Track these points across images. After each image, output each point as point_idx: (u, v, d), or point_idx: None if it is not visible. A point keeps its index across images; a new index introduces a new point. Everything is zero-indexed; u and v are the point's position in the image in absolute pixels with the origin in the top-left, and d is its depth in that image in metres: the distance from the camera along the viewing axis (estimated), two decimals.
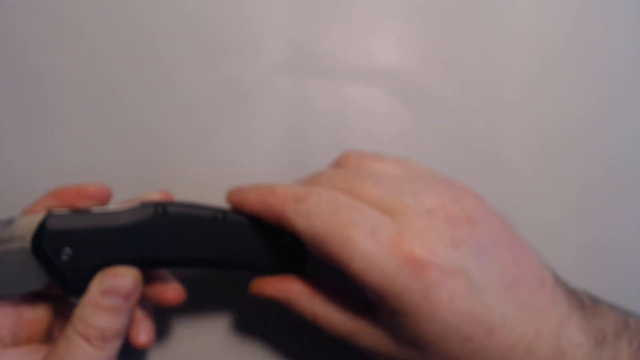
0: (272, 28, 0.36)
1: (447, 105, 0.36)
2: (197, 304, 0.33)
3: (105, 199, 0.26)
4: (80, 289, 0.23)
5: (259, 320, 0.34)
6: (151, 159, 0.36)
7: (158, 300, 0.27)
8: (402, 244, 0.21)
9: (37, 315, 0.26)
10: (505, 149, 0.36)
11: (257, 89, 0.36)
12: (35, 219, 0.24)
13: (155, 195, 0.28)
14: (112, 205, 0.26)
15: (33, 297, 0.26)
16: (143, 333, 0.26)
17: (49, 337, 0.27)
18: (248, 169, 0.36)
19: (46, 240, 0.23)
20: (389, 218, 0.22)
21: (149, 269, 0.26)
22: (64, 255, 0.23)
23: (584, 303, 0.24)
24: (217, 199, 0.35)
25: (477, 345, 0.21)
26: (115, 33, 0.36)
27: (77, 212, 0.24)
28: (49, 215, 0.24)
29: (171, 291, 0.27)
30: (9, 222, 0.24)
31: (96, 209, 0.25)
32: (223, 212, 0.26)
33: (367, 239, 0.21)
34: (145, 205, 0.25)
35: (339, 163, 0.28)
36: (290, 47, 0.36)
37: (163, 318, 0.33)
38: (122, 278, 0.23)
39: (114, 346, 0.24)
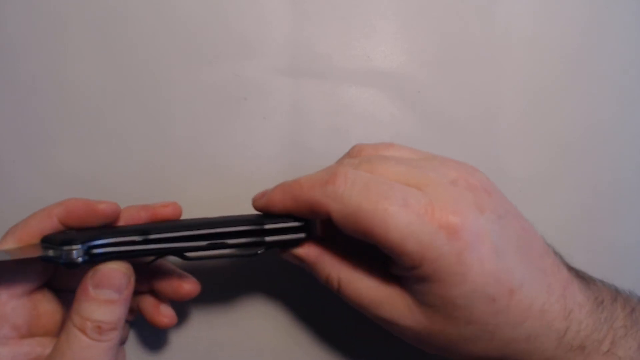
0: (271, 31, 0.37)
1: (445, 108, 0.36)
2: (209, 295, 0.33)
3: (114, 218, 0.27)
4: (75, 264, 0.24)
5: (270, 313, 0.34)
6: (151, 162, 0.36)
7: (176, 293, 0.28)
8: (435, 211, 0.22)
9: (52, 307, 0.27)
10: (504, 152, 0.36)
11: (257, 91, 0.36)
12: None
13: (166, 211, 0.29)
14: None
15: (48, 291, 0.27)
16: (164, 314, 0.29)
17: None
18: (248, 170, 0.36)
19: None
20: (418, 190, 0.23)
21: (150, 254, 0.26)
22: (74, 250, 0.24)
23: (580, 273, 0.26)
24: (217, 198, 0.35)
25: (501, 306, 0.22)
26: (114, 38, 0.36)
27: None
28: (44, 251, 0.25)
29: (188, 284, 0.28)
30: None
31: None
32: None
33: (401, 210, 0.22)
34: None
35: (352, 154, 0.29)
36: (290, 49, 0.37)
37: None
38: (114, 271, 0.24)
39: (112, 337, 0.24)
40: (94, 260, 0.24)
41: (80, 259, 0.23)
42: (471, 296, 0.22)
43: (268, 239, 0.26)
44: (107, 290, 0.24)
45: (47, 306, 0.27)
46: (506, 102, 0.36)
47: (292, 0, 0.37)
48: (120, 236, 0.24)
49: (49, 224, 0.26)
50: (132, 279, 0.25)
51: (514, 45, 0.37)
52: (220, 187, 0.35)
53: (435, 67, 0.37)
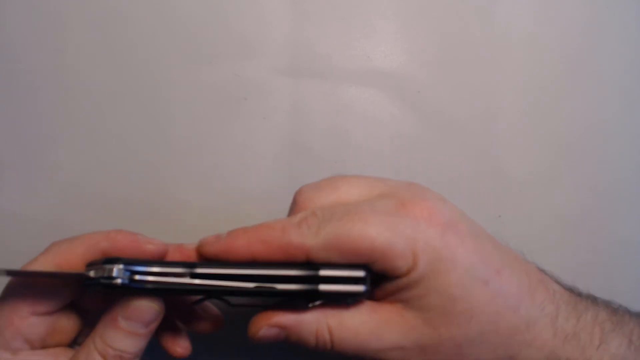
0: (271, 31, 0.37)
1: (445, 108, 0.36)
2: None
3: (160, 258, 0.25)
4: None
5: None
6: (152, 162, 0.36)
7: (166, 349, 0.28)
8: (406, 206, 0.23)
9: (70, 325, 0.27)
10: (504, 152, 0.36)
11: (257, 91, 0.36)
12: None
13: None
14: None
15: (69, 310, 0.26)
16: (180, 345, 0.28)
17: (74, 342, 0.27)
18: (248, 170, 0.36)
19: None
20: (381, 196, 0.24)
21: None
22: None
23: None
24: (217, 198, 0.35)
25: (494, 288, 0.23)
26: (114, 38, 0.36)
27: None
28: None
29: (180, 346, 0.28)
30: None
31: None
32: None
33: (376, 217, 0.22)
34: None
35: (295, 200, 0.28)
36: (290, 49, 0.37)
37: None
38: (148, 308, 0.24)
39: None
40: (133, 285, 0.23)
41: (120, 281, 0.23)
42: (465, 282, 0.22)
43: (323, 287, 0.23)
44: (135, 323, 0.24)
45: (65, 323, 0.26)
46: (506, 102, 0.36)
47: (292, 0, 0.37)
48: (165, 266, 0.23)
49: (93, 256, 0.25)
50: (161, 316, 0.25)
51: (514, 45, 0.37)
52: (220, 187, 0.35)
53: (435, 67, 0.37)
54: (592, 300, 0.25)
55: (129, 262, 0.23)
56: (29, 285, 0.24)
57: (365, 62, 0.37)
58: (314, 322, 0.24)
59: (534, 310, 0.23)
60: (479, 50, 0.37)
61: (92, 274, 0.23)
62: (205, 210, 0.35)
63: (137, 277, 0.23)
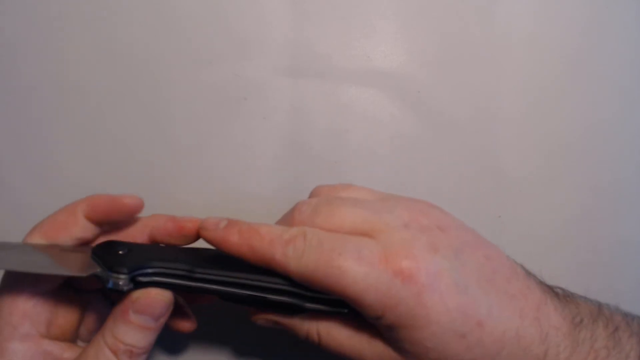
0: (271, 31, 0.37)
1: (445, 108, 0.36)
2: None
3: (139, 212, 0.27)
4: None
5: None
6: (152, 162, 0.36)
7: (173, 327, 0.29)
8: (389, 259, 0.23)
9: (70, 309, 0.27)
10: (504, 152, 0.36)
11: (257, 91, 0.36)
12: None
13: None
14: None
15: (67, 290, 0.27)
16: (186, 320, 0.29)
17: (76, 336, 0.28)
18: (248, 170, 0.36)
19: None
20: (371, 239, 0.24)
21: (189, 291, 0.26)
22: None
23: (557, 292, 0.26)
24: (217, 198, 0.35)
25: (472, 341, 0.23)
26: (114, 38, 0.36)
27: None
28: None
29: (187, 323, 0.29)
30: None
31: None
32: None
33: (355, 264, 0.23)
34: None
35: (312, 195, 0.29)
36: (290, 49, 0.37)
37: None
38: (158, 301, 0.24)
39: None
40: (137, 287, 0.24)
41: (125, 288, 0.24)
42: (440, 336, 0.22)
43: (309, 305, 0.25)
44: (146, 317, 0.24)
45: (66, 306, 0.27)
46: (506, 102, 0.36)
47: (292, 0, 0.37)
48: (166, 267, 0.24)
49: (74, 220, 0.26)
50: (171, 309, 0.25)
51: (514, 45, 0.37)
52: (220, 187, 0.35)
53: (435, 67, 0.37)
54: (594, 319, 0.25)
55: (132, 267, 0.24)
56: None
57: (365, 62, 0.37)
58: (305, 325, 0.26)
59: (517, 353, 0.23)
60: (479, 50, 0.37)
61: (99, 272, 0.24)
62: (205, 210, 0.35)
63: (141, 279, 0.24)
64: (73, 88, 0.36)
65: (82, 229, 0.26)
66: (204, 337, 0.34)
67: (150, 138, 0.36)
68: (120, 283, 0.24)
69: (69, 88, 0.36)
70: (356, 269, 0.22)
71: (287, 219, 0.26)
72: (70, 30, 0.36)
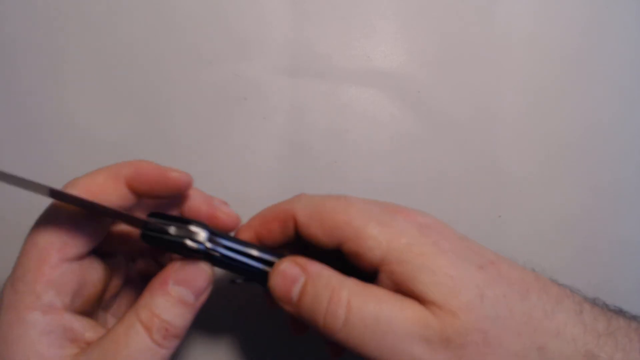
0: (271, 31, 0.37)
1: (445, 108, 0.36)
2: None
3: (185, 190, 0.25)
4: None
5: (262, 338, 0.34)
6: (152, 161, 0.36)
7: (216, 223, 0.27)
8: (390, 208, 0.26)
9: (97, 277, 0.24)
10: (504, 152, 0.36)
11: (257, 91, 0.36)
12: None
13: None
14: None
15: (95, 258, 0.25)
16: (225, 211, 0.27)
17: (99, 307, 0.26)
18: (248, 170, 0.36)
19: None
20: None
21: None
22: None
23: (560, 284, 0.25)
24: (217, 197, 0.35)
25: (491, 272, 0.23)
26: (114, 38, 0.36)
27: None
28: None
29: (226, 216, 0.27)
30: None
31: None
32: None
33: (361, 203, 0.25)
34: None
35: None
36: (290, 49, 0.37)
37: None
38: (203, 273, 0.23)
39: (172, 346, 0.23)
40: (207, 257, 0.23)
41: (201, 247, 0.22)
42: (459, 264, 0.22)
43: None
44: (187, 291, 0.23)
45: (93, 275, 0.24)
46: (506, 102, 0.36)
47: (292, 0, 0.37)
48: (242, 246, 0.24)
49: (115, 186, 0.23)
50: (210, 288, 0.24)
51: (514, 45, 0.37)
52: (220, 187, 0.35)
53: (435, 67, 0.37)
54: (619, 311, 0.24)
55: (213, 232, 0.24)
56: (56, 227, 0.22)
57: (365, 62, 0.37)
58: (334, 279, 0.23)
59: (549, 300, 0.22)
60: (479, 50, 0.37)
61: (172, 230, 0.23)
62: None
63: (219, 249, 0.23)
64: (73, 88, 0.36)
65: (121, 197, 0.24)
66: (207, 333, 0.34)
67: (150, 138, 0.36)
68: (200, 238, 0.22)
69: (68, 88, 0.36)
70: (361, 204, 0.24)
71: None
72: (70, 31, 0.36)
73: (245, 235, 0.26)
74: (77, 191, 0.23)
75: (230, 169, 0.36)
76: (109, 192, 0.23)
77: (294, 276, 0.23)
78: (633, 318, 0.24)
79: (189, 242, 0.22)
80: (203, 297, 0.23)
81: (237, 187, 0.35)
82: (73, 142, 0.36)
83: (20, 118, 0.36)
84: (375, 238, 0.22)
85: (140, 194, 0.24)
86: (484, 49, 0.37)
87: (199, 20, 0.36)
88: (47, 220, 0.22)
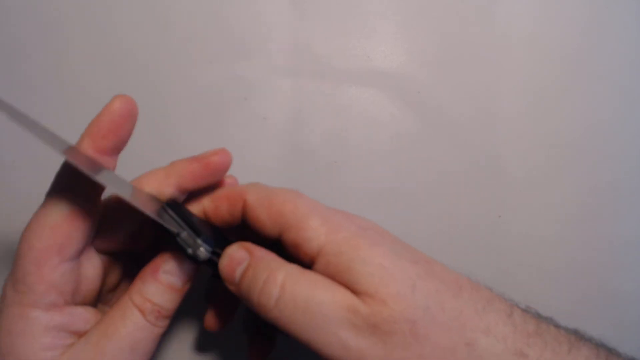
0: (271, 31, 0.37)
1: (445, 108, 0.36)
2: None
3: (227, 169, 0.27)
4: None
5: None
6: (151, 163, 0.36)
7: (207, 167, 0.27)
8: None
9: (94, 272, 0.26)
10: (504, 152, 0.36)
11: (257, 91, 0.36)
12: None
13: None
14: None
15: (90, 252, 0.26)
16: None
17: (98, 299, 0.27)
18: (248, 170, 0.36)
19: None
20: None
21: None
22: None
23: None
24: None
25: (424, 266, 0.23)
26: (114, 39, 0.36)
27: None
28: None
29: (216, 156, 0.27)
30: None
31: None
32: None
33: (309, 198, 0.26)
34: None
35: None
36: (290, 49, 0.37)
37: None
38: (186, 263, 0.25)
39: (164, 325, 0.25)
40: (211, 260, 0.25)
41: (202, 257, 0.24)
42: (394, 255, 0.23)
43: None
44: (175, 278, 0.25)
45: (90, 270, 0.25)
46: (506, 102, 0.36)
47: (292, 1, 0.37)
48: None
49: (162, 195, 0.26)
50: (194, 275, 0.26)
51: (514, 45, 0.37)
52: None
53: (435, 67, 0.37)
54: (550, 318, 0.24)
55: (206, 240, 0.25)
56: (51, 229, 0.23)
57: (365, 62, 0.37)
58: (274, 262, 0.24)
59: (480, 299, 0.23)
60: (479, 50, 0.37)
61: (182, 234, 0.24)
62: None
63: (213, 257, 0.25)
64: (73, 88, 0.36)
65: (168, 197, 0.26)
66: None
67: (150, 138, 0.36)
68: (202, 256, 0.24)
69: (68, 88, 0.36)
70: (310, 199, 0.25)
71: None
72: (70, 31, 0.36)
73: (193, 209, 0.27)
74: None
75: (230, 170, 0.35)
76: (155, 203, 0.25)
77: (240, 258, 0.24)
78: (562, 326, 0.24)
79: (189, 252, 0.24)
80: (188, 284, 0.26)
81: None
82: (73, 141, 0.36)
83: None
84: (315, 230, 0.23)
85: (186, 192, 0.27)
86: (484, 49, 0.37)
87: (199, 20, 0.36)
88: (42, 221, 0.23)
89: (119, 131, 0.25)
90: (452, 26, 0.37)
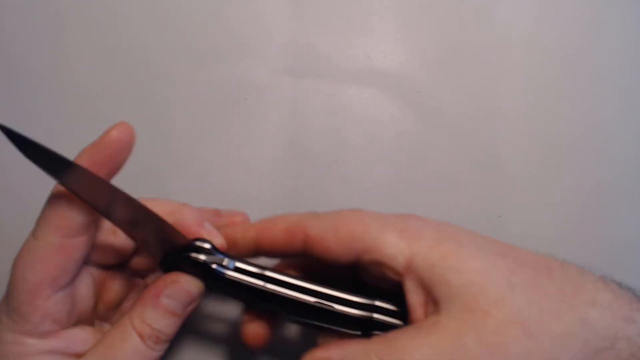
0: (271, 31, 0.37)
1: (445, 108, 0.36)
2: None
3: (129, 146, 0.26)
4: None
5: None
6: (151, 163, 0.36)
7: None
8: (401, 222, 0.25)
9: (88, 291, 0.26)
10: (504, 152, 0.36)
11: (257, 91, 0.36)
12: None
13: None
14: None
15: (83, 271, 0.25)
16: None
17: (95, 316, 0.27)
18: (248, 170, 0.36)
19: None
20: None
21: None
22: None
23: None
24: (217, 198, 0.35)
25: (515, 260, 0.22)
26: (114, 39, 0.36)
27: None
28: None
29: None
30: None
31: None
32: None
33: (372, 214, 0.24)
34: None
35: None
36: (290, 49, 0.37)
37: None
38: (193, 288, 0.25)
39: (162, 349, 0.25)
40: (216, 273, 0.24)
41: (230, 267, 0.24)
42: (482, 254, 0.22)
43: (377, 317, 0.24)
44: (177, 303, 0.24)
45: (84, 290, 0.25)
46: (506, 102, 0.36)
47: (292, 0, 0.37)
48: (244, 263, 0.25)
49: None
50: (199, 300, 0.25)
51: (514, 45, 0.37)
52: (219, 187, 0.35)
53: (435, 67, 0.37)
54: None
55: (209, 252, 0.24)
56: (44, 261, 0.22)
57: (365, 62, 0.37)
58: (360, 354, 0.22)
59: (572, 274, 0.22)
60: (479, 50, 0.37)
61: (201, 257, 0.24)
62: None
63: (235, 273, 0.24)
64: (72, 88, 0.36)
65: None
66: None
67: (150, 138, 0.36)
68: (224, 263, 0.24)
69: (68, 88, 0.36)
70: (373, 216, 0.23)
71: None
72: (70, 31, 0.36)
73: (242, 240, 0.26)
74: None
75: (230, 170, 0.36)
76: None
77: None
78: None
79: (214, 266, 0.24)
80: (191, 307, 0.25)
81: (237, 187, 0.35)
82: (71, 142, 0.36)
83: (21, 118, 0.36)
84: (396, 245, 0.22)
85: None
86: (484, 49, 0.37)
87: (199, 20, 0.36)
88: (33, 252, 0.22)
89: (115, 161, 0.24)
90: (452, 26, 0.37)
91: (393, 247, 0.22)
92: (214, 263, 0.24)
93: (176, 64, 0.36)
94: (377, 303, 0.24)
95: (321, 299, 0.24)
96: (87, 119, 0.36)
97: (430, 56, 0.37)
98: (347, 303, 0.24)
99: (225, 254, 0.25)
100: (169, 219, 0.25)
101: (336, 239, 0.23)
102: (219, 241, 0.25)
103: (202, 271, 0.24)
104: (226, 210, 0.29)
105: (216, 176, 0.35)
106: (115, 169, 0.24)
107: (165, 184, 0.35)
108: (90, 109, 0.36)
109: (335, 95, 0.36)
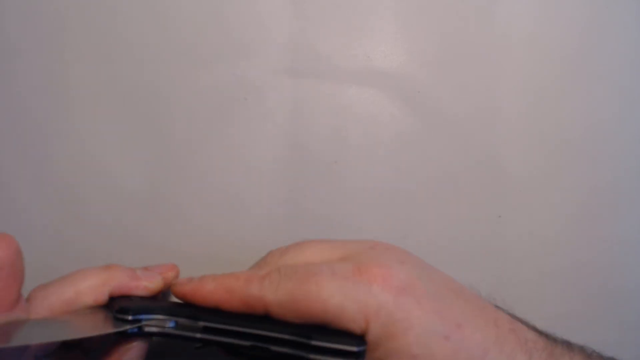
0: (271, 31, 0.37)
1: (445, 108, 0.36)
2: None
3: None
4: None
5: None
6: (151, 163, 0.36)
7: None
8: (362, 270, 0.24)
9: None
10: (504, 152, 0.36)
11: (257, 92, 0.36)
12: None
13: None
14: None
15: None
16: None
17: None
18: (248, 170, 0.36)
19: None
20: (342, 260, 0.25)
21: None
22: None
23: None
24: (217, 199, 0.35)
25: (456, 342, 0.23)
26: (114, 39, 0.36)
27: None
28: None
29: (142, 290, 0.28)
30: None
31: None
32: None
33: (332, 279, 0.23)
34: None
35: (264, 260, 0.29)
36: (290, 49, 0.36)
37: None
38: (139, 349, 0.26)
39: None
40: (141, 333, 0.25)
41: (130, 331, 0.24)
42: (425, 339, 0.22)
43: (313, 357, 0.23)
44: None
45: None
46: (506, 102, 0.36)
47: (292, 1, 0.37)
48: (172, 315, 0.25)
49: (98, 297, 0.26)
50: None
51: (514, 45, 0.37)
52: (219, 187, 0.35)
53: (435, 67, 0.37)
54: (567, 346, 0.25)
55: (137, 311, 0.25)
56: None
57: (365, 62, 0.37)
58: None
59: (503, 358, 0.23)
60: (479, 50, 0.37)
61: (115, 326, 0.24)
62: (204, 211, 0.35)
63: (147, 329, 0.25)
64: (72, 88, 0.36)
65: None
66: None
67: (149, 138, 0.36)
68: (127, 327, 0.24)
69: (68, 88, 0.36)
70: (332, 283, 0.23)
71: (259, 264, 0.27)
72: (70, 31, 0.36)
73: (204, 298, 0.26)
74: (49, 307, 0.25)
75: (230, 170, 0.36)
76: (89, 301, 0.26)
77: None
78: (578, 350, 0.25)
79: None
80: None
81: (237, 187, 0.35)
82: (69, 142, 0.36)
83: (20, 118, 0.36)
84: (355, 321, 0.23)
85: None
86: (484, 49, 0.37)
87: (199, 20, 0.36)
88: None
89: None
90: (452, 26, 0.37)
91: (351, 323, 0.23)
92: (128, 325, 0.24)
93: (176, 64, 0.36)
94: (313, 342, 0.23)
95: (257, 342, 0.24)
96: (87, 119, 0.36)
97: (430, 56, 0.37)
98: (283, 343, 0.24)
99: (155, 306, 0.25)
100: (95, 291, 0.26)
101: (296, 316, 0.24)
102: (146, 288, 0.27)
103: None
104: (156, 266, 0.30)
105: (216, 176, 0.35)
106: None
107: (164, 184, 0.35)
108: (90, 109, 0.36)
109: (335, 95, 0.36)
